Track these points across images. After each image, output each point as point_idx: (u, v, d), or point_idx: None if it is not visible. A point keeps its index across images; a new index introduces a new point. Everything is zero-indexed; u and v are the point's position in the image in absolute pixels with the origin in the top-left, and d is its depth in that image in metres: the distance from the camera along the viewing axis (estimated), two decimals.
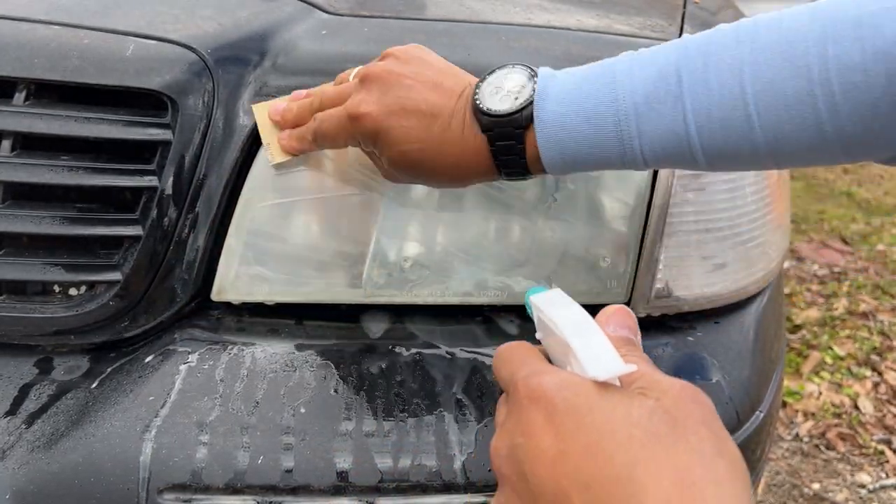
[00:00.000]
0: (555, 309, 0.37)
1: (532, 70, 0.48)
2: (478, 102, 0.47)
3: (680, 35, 0.64)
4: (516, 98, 0.46)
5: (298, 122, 0.54)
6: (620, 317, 0.38)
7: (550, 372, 0.33)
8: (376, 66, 0.50)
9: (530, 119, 0.46)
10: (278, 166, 0.56)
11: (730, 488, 0.27)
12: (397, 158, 0.49)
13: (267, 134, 0.56)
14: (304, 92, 0.56)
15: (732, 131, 0.43)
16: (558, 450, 0.29)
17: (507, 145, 0.47)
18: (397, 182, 0.53)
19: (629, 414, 0.29)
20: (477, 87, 0.48)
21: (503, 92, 0.47)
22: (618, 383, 0.32)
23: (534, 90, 0.46)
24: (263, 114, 0.56)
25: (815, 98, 0.41)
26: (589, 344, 0.33)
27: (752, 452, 0.61)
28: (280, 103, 0.56)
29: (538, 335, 0.40)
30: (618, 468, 0.28)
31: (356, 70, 0.53)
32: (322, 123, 0.51)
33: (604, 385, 0.31)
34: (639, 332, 0.38)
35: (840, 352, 1.98)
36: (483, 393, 0.54)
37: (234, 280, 0.58)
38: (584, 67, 0.48)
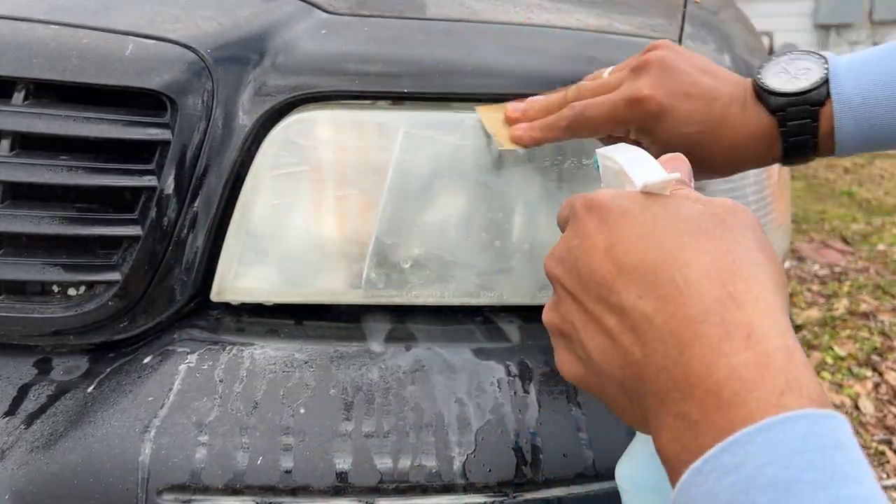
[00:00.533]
0: (618, 152, 0.39)
1: (816, 53, 0.49)
2: (763, 85, 0.48)
3: (680, 36, 0.64)
4: (807, 78, 0.47)
5: (541, 114, 0.55)
6: (675, 162, 0.39)
7: (605, 190, 0.35)
8: (652, 53, 0.50)
9: (825, 96, 0.47)
10: (505, 152, 0.57)
11: (764, 270, 0.29)
12: (675, 141, 0.49)
13: (492, 128, 0.57)
14: (541, 97, 0.56)
15: None
16: (610, 241, 0.32)
17: (801, 125, 0.47)
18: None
19: (678, 212, 0.31)
20: (758, 70, 0.49)
21: (789, 74, 0.48)
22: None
23: (826, 69, 0.47)
24: (490, 112, 0.57)
25: None
26: (641, 165, 0.35)
27: None
28: (516, 103, 0.57)
29: (602, 185, 0.41)
30: (664, 252, 0.30)
31: (611, 68, 0.54)
32: (586, 110, 0.52)
33: (656, 195, 0.33)
34: (692, 179, 0.39)
35: (841, 352, 1.97)
36: (483, 393, 0.54)
37: (234, 280, 0.58)
38: (870, 50, 0.48)
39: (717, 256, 0.29)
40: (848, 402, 1.74)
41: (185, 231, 0.56)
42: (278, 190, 0.57)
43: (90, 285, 0.56)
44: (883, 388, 1.81)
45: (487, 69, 0.58)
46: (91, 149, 0.56)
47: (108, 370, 0.55)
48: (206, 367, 0.54)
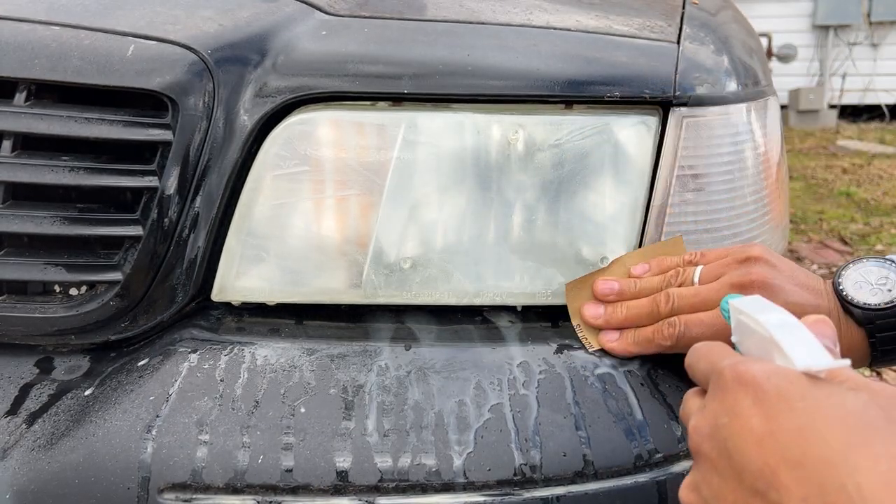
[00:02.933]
0: (759, 311, 0.37)
1: (888, 261, 0.51)
2: (848, 299, 0.50)
3: (679, 37, 0.64)
4: (889, 289, 0.49)
5: (629, 325, 0.56)
6: (821, 326, 0.37)
7: (759, 361, 0.33)
8: (754, 272, 0.51)
9: None
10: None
11: None
12: None
13: (583, 328, 0.58)
14: (615, 286, 0.57)
15: None
16: (767, 429, 0.29)
17: (891, 336, 0.49)
18: None
19: (844, 403, 0.29)
20: (837, 283, 0.51)
21: (870, 286, 0.50)
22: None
23: None
24: (576, 298, 0.58)
25: None
26: (797, 338, 0.33)
27: None
28: (592, 304, 0.57)
29: (734, 338, 0.40)
30: (831, 451, 0.27)
31: (699, 269, 0.54)
32: (691, 328, 0.52)
33: (814, 377, 0.31)
34: (838, 344, 0.37)
35: None
36: (482, 392, 0.54)
37: (235, 280, 0.58)
38: None
39: (892, 463, 0.26)
40: None
41: (187, 231, 0.56)
42: (279, 190, 0.58)
43: (91, 285, 0.57)
44: None
45: (487, 70, 0.58)
46: (92, 149, 0.56)
47: (110, 370, 0.55)
48: (207, 366, 0.54)
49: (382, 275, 0.59)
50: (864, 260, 0.52)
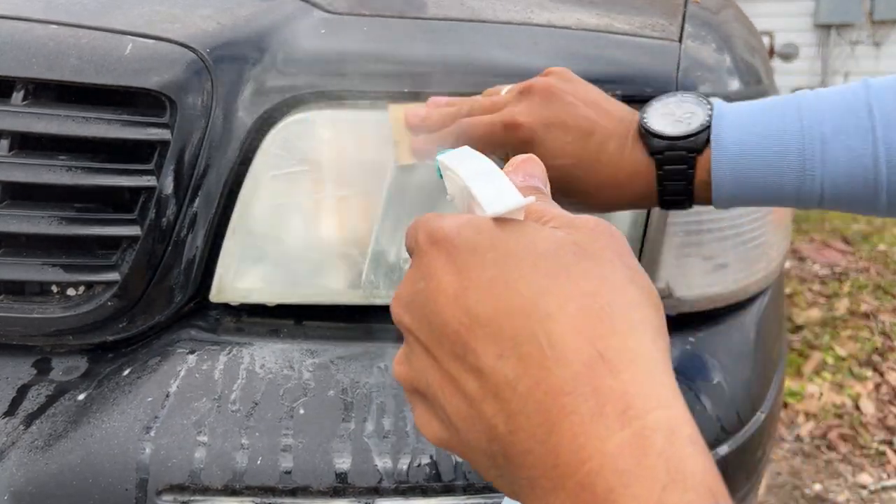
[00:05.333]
0: (461, 161, 0.34)
1: (704, 98, 0.48)
2: (646, 126, 0.47)
3: (681, 35, 0.64)
4: (689, 123, 0.47)
5: (438, 128, 0.54)
6: (529, 166, 0.34)
7: (450, 217, 0.30)
8: (539, 79, 0.50)
9: (705, 144, 0.46)
10: (403, 167, 0.56)
11: (639, 313, 0.25)
12: (548, 173, 0.49)
13: (397, 134, 0.56)
14: (444, 99, 0.55)
15: None
16: (460, 286, 0.27)
17: (677, 170, 0.46)
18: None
19: (534, 245, 0.27)
20: (642, 111, 0.48)
21: (674, 117, 0.47)
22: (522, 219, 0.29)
23: (710, 115, 0.46)
24: (399, 115, 0.56)
25: None
26: (488, 183, 0.30)
27: (754, 453, 0.61)
28: (419, 108, 0.55)
29: (448, 197, 0.37)
30: (521, 298, 0.25)
31: (510, 86, 0.53)
32: (469, 128, 0.51)
33: (507, 221, 0.28)
34: (548, 183, 0.35)
35: (841, 352, 1.97)
36: None
37: (233, 280, 0.58)
38: (758, 101, 0.47)
39: (583, 303, 0.25)
40: (849, 402, 1.74)
41: (185, 231, 0.56)
42: (278, 190, 0.57)
43: (89, 285, 0.56)
44: (884, 389, 1.80)
45: (487, 68, 0.58)
46: (90, 149, 0.56)
47: (108, 370, 0.55)
48: (205, 367, 0.54)
49: (382, 275, 0.59)
50: (681, 93, 0.49)
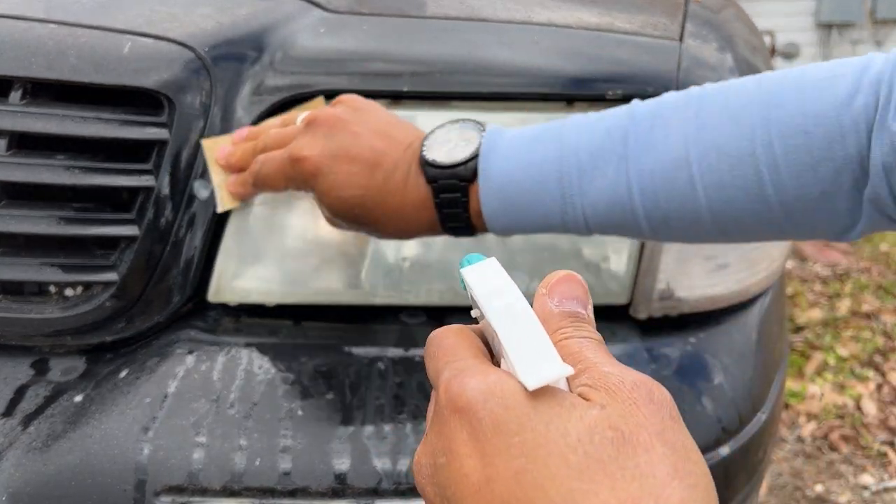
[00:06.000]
0: (485, 288, 0.31)
1: (481, 124, 0.48)
2: (424, 153, 0.47)
3: (682, 34, 0.64)
4: (462, 151, 0.46)
5: (242, 166, 0.54)
6: (567, 286, 0.31)
7: (478, 373, 0.27)
8: (325, 110, 0.49)
9: (475, 172, 0.46)
10: (227, 212, 0.55)
11: None
12: (337, 204, 0.48)
13: (216, 175, 0.55)
14: (245, 131, 0.55)
15: (675, 193, 0.43)
16: (484, 476, 0.25)
17: (452, 198, 0.46)
18: (340, 229, 0.52)
19: (566, 433, 0.24)
20: (425, 138, 0.48)
21: (450, 145, 0.47)
22: (559, 383, 0.26)
23: (479, 144, 0.46)
24: (212, 153, 0.55)
25: (757, 159, 0.41)
26: (520, 340, 0.27)
27: (755, 454, 0.61)
28: (226, 145, 0.55)
29: (473, 313, 0.34)
30: (551, 501, 0.23)
31: (304, 114, 0.53)
32: (263, 166, 0.51)
33: (539, 393, 0.26)
34: (590, 302, 0.32)
35: (843, 353, 1.97)
36: None
37: (232, 281, 0.58)
38: (535, 126, 0.47)
39: None
40: (850, 403, 1.74)
41: (183, 231, 0.56)
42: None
43: (87, 286, 0.56)
44: (885, 389, 1.80)
45: (488, 68, 0.57)
46: (88, 148, 0.55)
47: (106, 371, 0.55)
48: (203, 367, 0.54)
49: (381, 275, 0.59)
50: (463, 122, 0.49)
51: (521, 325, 0.28)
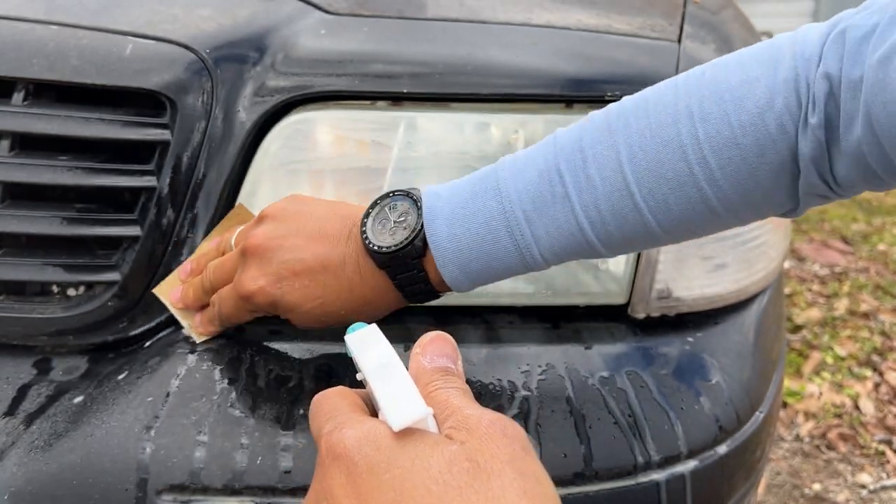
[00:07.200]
0: (362, 350, 0.35)
1: (413, 195, 0.47)
2: (367, 242, 0.46)
3: (680, 36, 0.64)
4: (405, 227, 0.46)
5: (201, 304, 0.54)
6: (437, 345, 0.36)
7: (353, 424, 0.31)
8: (253, 235, 0.48)
9: (424, 245, 0.45)
10: (204, 343, 0.55)
11: None
12: (303, 318, 0.49)
13: (181, 315, 0.56)
14: (188, 265, 0.55)
15: (624, 220, 0.44)
16: None
17: (409, 276, 0.46)
18: (317, 328, 0.53)
19: (429, 466, 0.27)
20: (363, 224, 0.47)
21: (390, 224, 0.47)
22: (429, 426, 0.30)
23: (419, 216, 0.46)
24: (166, 296, 0.55)
25: (696, 177, 0.42)
26: (389, 391, 0.32)
27: (753, 453, 0.61)
28: (176, 287, 0.55)
29: (358, 376, 0.37)
30: None
31: (237, 233, 0.52)
32: (221, 308, 0.51)
33: (406, 434, 0.29)
34: (459, 358, 0.36)
35: (841, 352, 1.97)
36: (482, 394, 0.54)
37: None
38: (468, 178, 0.47)
39: None
40: (848, 402, 1.74)
41: (185, 231, 0.56)
42: (278, 190, 0.57)
43: (90, 285, 0.56)
44: (883, 388, 1.81)
45: (487, 69, 0.58)
46: (90, 149, 0.56)
47: (108, 370, 0.55)
48: (205, 367, 0.54)
49: None
50: (391, 196, 0.48)
51: (390, 379, 0.32)
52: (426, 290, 0.47)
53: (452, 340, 0.37)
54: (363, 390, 0.37)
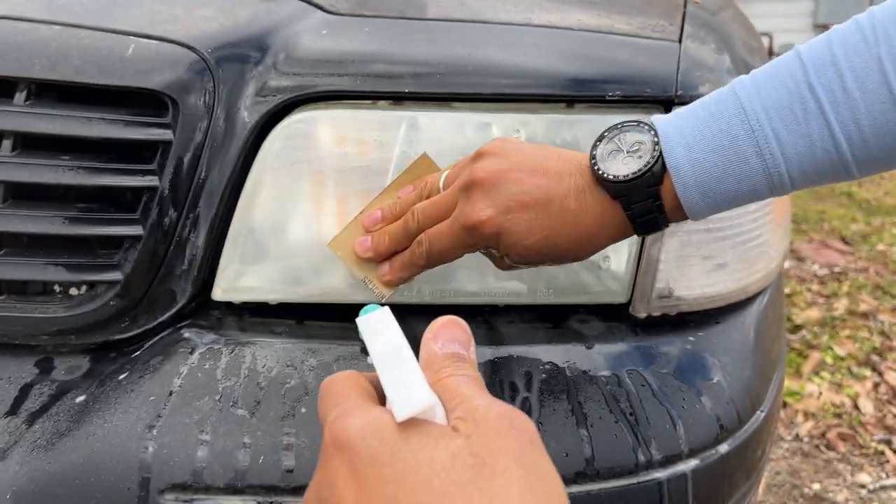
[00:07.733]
0: (372, 334, 0.35)
1: (645, 123, 0.47)
2: (600, 172, 0.46)
3: (680, 36, 0.64)
4: (640, 156, 0.46)
5: (396, 250, 0.54)
6: (449, 330, 0.35)
7: (359, 412, 0.30)
8: (478, 168, 0.48)
9: (663, 172, 0.45)
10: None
11: None
12: (525, 252, 0.48)
13: (359, 269, 0.55)
14: (378, 213, 0.54)
15: (888, 134, 0.42)
16: (359, 502, 0.27)
17: (644, 205, 0.46)
18: (518, 269, 0.52)
19: (431, 460, 0.27)
20: (592, 156, 0.47)
21: (622, 154, 0.46)
22: (436, 415, 0.29)
23: (656, 143, 0.45)
24: (345, 249, 0.55)
25: None
26: (396, 378, 0.31)
27: (753, 452, 0.61)
28: (360, 238, 0.55)
29: (369, 359, 0.36)
30: None
31: (444, 175, 0.52)
32: (432, 244, 0.51)
33: (410, 425, 0.28)
34: (472, 344, 0.35)
35: (840, 352, 1.98)
36: None
37: (235, 280, 0.58)
38: (699, 102, 0.46)
39: None
40: (847, 401, 1.74)
41: (187, 231, 0.56)
42: (280, 189, 0.57)
43: (92, 285, 0.57)
44: (882, 388, 1.81)
45: (488, 69, 0.58)
46: (92, 149, 0.56)
47: (110, 370, 0.55)
48: (207, 366, 0.54)
49: None
50: (619, 127, 0.48)
51: (398, 366, 0.31)
52: (659, 219, 0.47)
53: (465, 325, 0.35)
54: (374, 374, 0.36)
